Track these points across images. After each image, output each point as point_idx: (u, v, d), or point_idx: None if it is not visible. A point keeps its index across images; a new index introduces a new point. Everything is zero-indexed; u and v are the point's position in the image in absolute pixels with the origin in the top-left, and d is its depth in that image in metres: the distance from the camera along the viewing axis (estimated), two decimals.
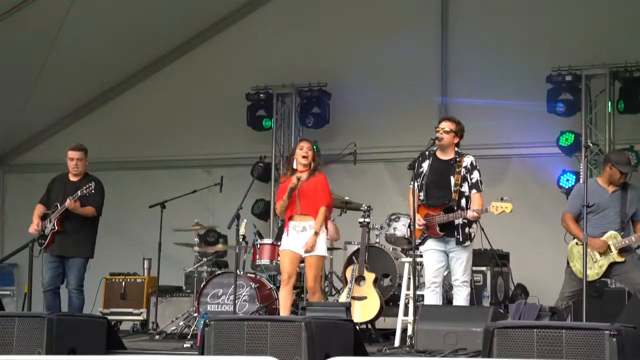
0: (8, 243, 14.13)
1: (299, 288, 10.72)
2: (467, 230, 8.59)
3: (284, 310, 9.21)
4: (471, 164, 8.65)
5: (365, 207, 10.15)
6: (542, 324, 6.70)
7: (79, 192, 9.53)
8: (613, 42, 12.34)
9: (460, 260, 8.59)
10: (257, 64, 13.81)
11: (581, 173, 11.06)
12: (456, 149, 8.75)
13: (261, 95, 13.62)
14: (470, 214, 8.47)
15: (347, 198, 11.14)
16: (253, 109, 13.67)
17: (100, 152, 14.21)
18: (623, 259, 8.54)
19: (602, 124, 12.29)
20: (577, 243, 8.73)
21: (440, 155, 8.75)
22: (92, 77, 14.12)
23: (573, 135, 12.14)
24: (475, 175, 8.63)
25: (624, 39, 12.30)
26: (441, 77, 13.24)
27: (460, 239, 8.56)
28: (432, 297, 8.65)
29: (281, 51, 13.70)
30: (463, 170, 8.59)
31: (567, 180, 12.08)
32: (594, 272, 8.61)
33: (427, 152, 8.81)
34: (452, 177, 8.60)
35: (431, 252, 8.65)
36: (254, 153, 13.46)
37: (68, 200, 9.51)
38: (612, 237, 8.57)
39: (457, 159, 8.66)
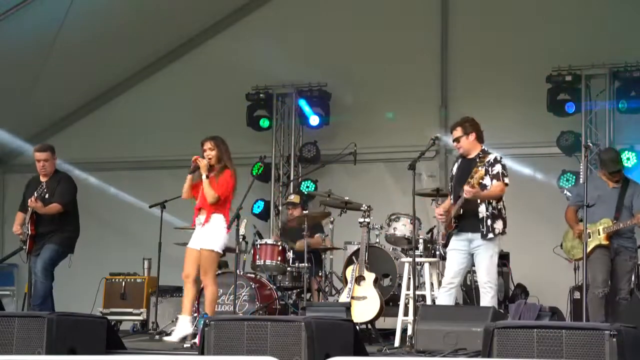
0: (8, 243, 14.12)
1: (299, 288, 10.73)
2: (489, 222, 8.34)
3: (185, 308, 9.14)
4: (495, 159, 8.49)
5: (365, 207, 10.15)
6: (542, 324, 6.71)
7: (35, 192, 9.49)
8: (613, 42, 12.35)
9: (483, 258, 8.36)
10: (257, 64, 13.80)
11: (581, 173, 11.08)
12: (482, 147, 8.65)
13: (261, 95, 13.63)
14: (466, 188, 8.17)
15: (347, 198, 11.13)
16: (253, 109, 13.68)
17: (100, 152, 14.28)
18: (608, 242, 8.91)
19: (602, 124, 12.30)
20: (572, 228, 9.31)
21: (467, 155, 8.67)
22: (92, 77, 14.13)
23: (573, 135, 12.15)
24: (497, 168, 8.44)
25: (624, 39, 12.30)
26: (441, 77, 13.26)
27: (484, 232, 8.33)
28: (445, 298, 8.48)
29: (281, 51, 13.70)
30: (485, 164, 8.38)
31: (567, 180, 12.09)
32: (581, 251, 8.74)
33: (457, 156, 8.78)
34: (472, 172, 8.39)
35: (453, 253, 8.48)
36: (254, 153, 13.42)
37: (29, 201, 9.49)
38: (604, 223, 8.94)
39: (481, 156, 8.48)
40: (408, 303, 9.29)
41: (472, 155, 8.61)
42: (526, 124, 12.61)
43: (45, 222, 9.70)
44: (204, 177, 9.09)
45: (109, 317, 10.01)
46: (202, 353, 7.10)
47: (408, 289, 9.33)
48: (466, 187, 8.21)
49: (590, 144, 11.50)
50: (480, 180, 8.27)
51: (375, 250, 10.41)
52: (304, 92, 13.47)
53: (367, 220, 10.08)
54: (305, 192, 12.52)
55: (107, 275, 12.20)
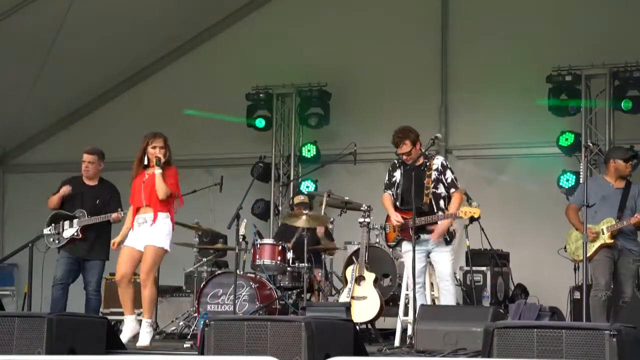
0: (8, 243, 14.13)
1: (300, 288, 10.72)
2: (450, 229, 8.76)
3: (127, 309, 9.00)
4: (442, 164, 8.82)
5: (365, 207, 10.14)
6: (542, 324, 6.70)
7: (114, 213, 9.65)
8: (613, 42, 12.35)
9: (445, 257, 8.76)
10: (257, 64, 13.81)
11: (581, 173, 11.08)
12: (423, 151, 8.88)
13: (261, 95, 13.63)
14: (443, 221, 8.65)
15: (347, 198, 11.13)
16: (253, 109, 13.68)
17: None
18: (612, 242, 8.89)
19: (602, 124, 12.30)
20: (577, 228, 9.17)
21: (412, 163, 8.85)
22: (92, 77, 14.13)
23: (573, 135, 12.15)
24: (449, 175, 8.80)
25: (624, 39, 12.30)
26: (441, 77, 13.26)
27: (448, 239, 8.76)
28: (418, 298, 8.69)
29: (281, 51, 13.71)
30: (434, 173, 8.75)
31: (567, 180, 12.09)
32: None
33: (396, 161, 8.96)
34: (424, 182, 8.73)
35: (411, 254, 8.64)
36: (254, 153, 13.47)
37: (115, 214, 9.64)
38: (606, 222, 8.94)
39: (427, 163, 8.81)
40: (408, 303, 9.28)
41: (417, 163, 8.82)
42: (526, 124, 12.61)
43: (93, 229, 9.80)
44: (158, 172, 8.82)
45: (109, 317, 10.00)
46: (202, 353, 7.09)
47: (408, 289, 9.32)
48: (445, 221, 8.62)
49: (590, 144, 11.49)
50: (434, 190, 8.69)
51: (375, 250, 10.41)
52: (304, 92, 13.47)
53: (367, 220, 10.07)
54: (306, 192, 12.51)
55: (107, 275, 12.17)
